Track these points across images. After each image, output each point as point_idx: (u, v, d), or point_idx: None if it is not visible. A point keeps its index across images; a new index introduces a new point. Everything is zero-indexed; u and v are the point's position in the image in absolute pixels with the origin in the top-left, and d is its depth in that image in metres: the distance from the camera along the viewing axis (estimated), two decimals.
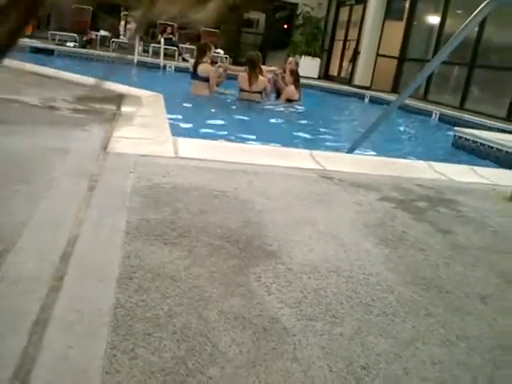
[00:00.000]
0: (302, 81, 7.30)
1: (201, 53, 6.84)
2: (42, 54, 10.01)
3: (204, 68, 6.62)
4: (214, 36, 12.66)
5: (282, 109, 6.57)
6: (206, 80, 6.59)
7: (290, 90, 6.80)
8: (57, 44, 11.45)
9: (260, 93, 6.59)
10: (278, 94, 6.97)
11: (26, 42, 9.89)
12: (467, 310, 1.40)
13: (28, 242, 1.41)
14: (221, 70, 6.98)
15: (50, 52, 10.63)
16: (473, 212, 2.35)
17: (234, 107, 6.38)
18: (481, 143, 4.90)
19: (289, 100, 6.80)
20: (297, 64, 7.50)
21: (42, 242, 1.43)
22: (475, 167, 3.42)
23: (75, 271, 1.29)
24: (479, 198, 2.61)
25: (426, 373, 1.09)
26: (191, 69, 6.83)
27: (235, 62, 11.71)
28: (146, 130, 3.17)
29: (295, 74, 6.91)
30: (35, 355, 0.95)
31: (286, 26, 15.96)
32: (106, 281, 1.27)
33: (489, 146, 4.79)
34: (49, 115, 3.40)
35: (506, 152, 4.55)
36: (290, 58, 7.97)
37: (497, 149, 4.69)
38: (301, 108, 6.79)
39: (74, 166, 2.21)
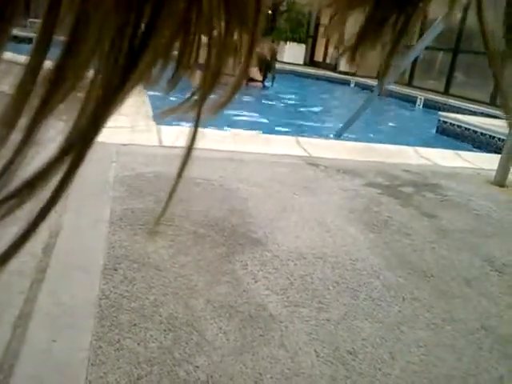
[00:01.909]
0: (286, 67, 7.35)
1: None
2: (23, 44, 9.83)
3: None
4: None
5: (249, 89, 6.76)
6: None
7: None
8: (35, 32, 11.25)
9: None
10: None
11: None
12: (453, 294, 1.41)
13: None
14: None
15: (29, 41, 10.43)
16: (458, 196, 2.37)
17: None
18: (465, 128, 4.94)
19: (250, 79, 6.95)
20: (272, 51, 7.64)
21: None
22: (460, 152, 3.45)
23: (58, 263, 1.27)
24: (464, 182, 2.63)
25: (411, 356, 1.10)
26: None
27: None
28: (129, 119, 3.12)
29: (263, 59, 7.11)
30: (19, 349, 0.94)
31: (270, 12, 15.84)
32: (90, 272, 1.25)
33: (473, 131, 4.83)
34: None
35: (490, 136, 4.59)
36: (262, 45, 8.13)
37: (481, 133, 4.73)
38: (264, 88, 7.10)
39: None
